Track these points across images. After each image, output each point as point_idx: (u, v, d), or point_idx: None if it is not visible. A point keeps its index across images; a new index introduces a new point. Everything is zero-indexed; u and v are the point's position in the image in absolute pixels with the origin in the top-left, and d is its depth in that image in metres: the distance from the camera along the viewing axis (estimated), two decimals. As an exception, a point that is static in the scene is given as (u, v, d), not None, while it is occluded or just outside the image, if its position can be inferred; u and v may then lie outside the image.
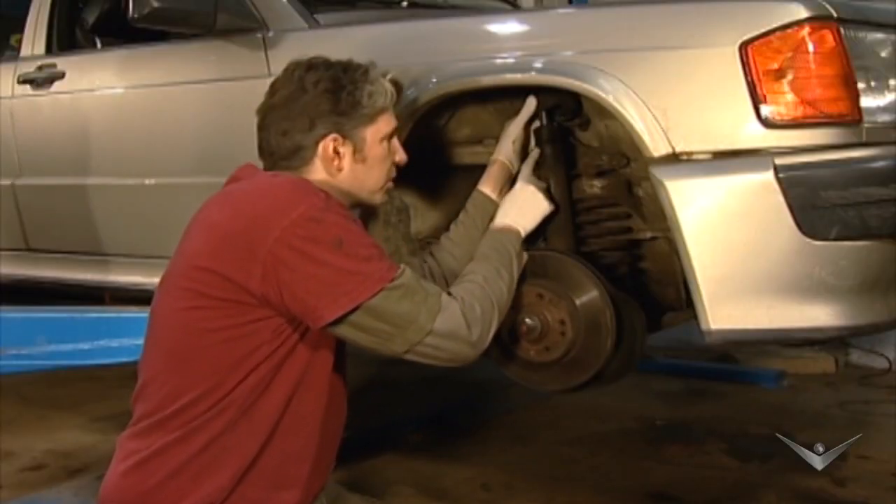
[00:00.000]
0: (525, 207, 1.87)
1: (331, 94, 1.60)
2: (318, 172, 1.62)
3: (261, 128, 1.65)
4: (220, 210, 1.52)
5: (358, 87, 1.61)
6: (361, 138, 1.63)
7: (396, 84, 1.71)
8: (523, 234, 1.84)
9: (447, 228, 2.02)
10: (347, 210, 1.58)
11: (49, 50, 3.11)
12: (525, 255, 1.83)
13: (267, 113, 1.63)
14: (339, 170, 1.62)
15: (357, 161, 1.63)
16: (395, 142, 1.71)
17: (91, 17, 3.25)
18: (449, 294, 1.55)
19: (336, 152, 1.61)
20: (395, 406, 3.37)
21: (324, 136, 1.60)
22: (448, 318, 1.50)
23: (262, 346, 1.48)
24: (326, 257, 1.43)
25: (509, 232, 1.82)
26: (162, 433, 1.49)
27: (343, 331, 1.48)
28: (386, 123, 1.66)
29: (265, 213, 1.45)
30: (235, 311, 1.46)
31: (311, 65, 1.63)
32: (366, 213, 2.12)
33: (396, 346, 1.49)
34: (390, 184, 1.73)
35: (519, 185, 1.91)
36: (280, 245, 1.42)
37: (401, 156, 1.72)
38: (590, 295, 1.93)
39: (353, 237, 1.47)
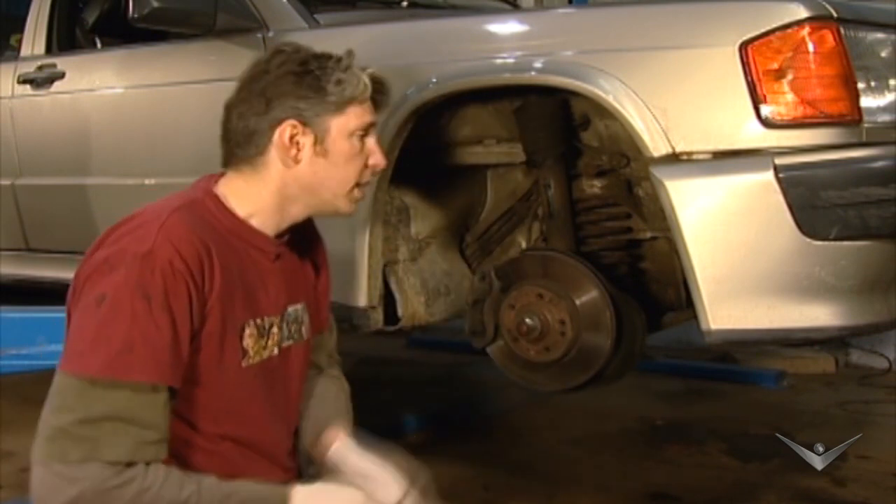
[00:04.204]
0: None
1: (294, 76, 1.39)
2: (273, 164, 1.39)
3: (224, 117, 1.46)
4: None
5: (326, 73, 1.39)
6: (324, 129, 1.39)
7: (378, 80, 1.45)
8: None
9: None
10: (172, 275, 1.26)
11: (49, 50, 3.11)
12: None
13: (230, 100, 1.45)
14: (297, 161, 1.39)
15: (318, 154, 1.40)
16: (371, 141, 1.44)
17: (91, 17, 3.25)
18: (120, 467, 1.21)
19: (293, 141, 1.39)
20: (395, 406, 3.37)
21: (281, 122, 1.38)
22: (74, 475, 1.19)
23: None
24: (85, 307, 1.26)
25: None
26: None
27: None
28: (357, 117, 1.41)
29: (104, 239, 1.33)
30: None
31: (279, 49, 1.45)
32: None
33: (40, 446, 1.23)
34: (359, 192, 1.45)
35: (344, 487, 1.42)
36: (82, 271, 1.31)
37: (376, 158, 1.45)
38: (590, 295, 1.94)
39: (117, 306, 1.23)
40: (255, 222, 1.41)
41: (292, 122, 1.38)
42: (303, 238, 1.53)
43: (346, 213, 1.47)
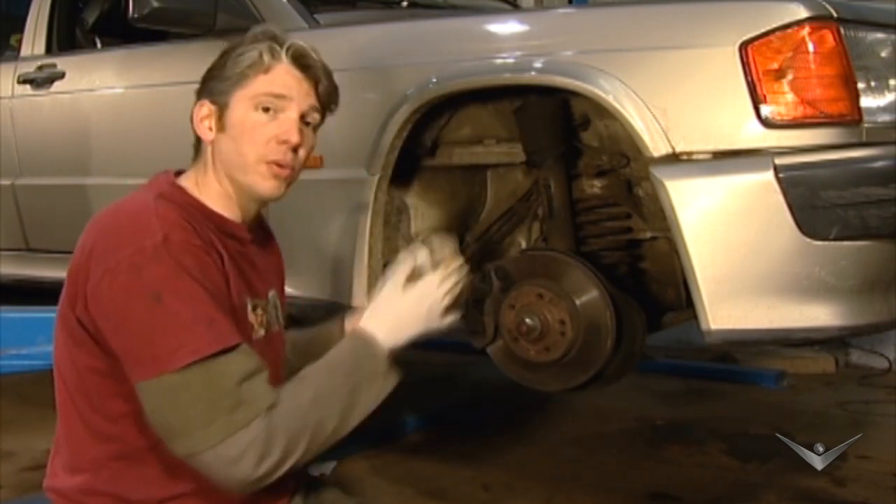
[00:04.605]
0: (409, 317, 1.43)
1: (215, 61, 1.43)
2: (203, 148, 1.43)
3: None
4: (86, 232, 1.37)
5: (234, 50, 1.40)
6: (225, 103, 1.39)
7: (299, 51, 1.40)
8: (386, 351, 1.39)
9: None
10: (196, 250, 1.29)
11: (49, 50, 3.11)
12: (388, 384, 1.40)
13: None
14: (210, 141, 1.40)
15: (220, 129, 1.39)
16: (285, 116, 1.38)
17: (91, 17, 3.25)
18: (268, 412, 1.25)
19: (202, 118, 1.40)
20: (395, 406, 3.37)
21: (195, 104, 1.42)
22: (241, 443, 1.23)
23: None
24: (139, 312, 1.24)
25: (374, 346, 1.39)
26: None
27: (141, 397, 1.26)
28: (260, 86, 1.37)
29: (100, 248, 1.29)
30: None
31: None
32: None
33: (175, 446, 1.25)
34: (270, 168, 1.38)
35: (422, 284, 1.44)
36: (99, 290, 1.26)
37: (283, 131, 1.37)
38: (590, 295, 1.93)
39: (175, 293, 1.24)
40: (219, 210, 1.41)
41: (201, 101, 1.42)
42: (262, 229, 1.54)
43: (267, 194, 1.41)
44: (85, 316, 1.30)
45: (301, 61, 1.40)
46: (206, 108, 1.41)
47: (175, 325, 1.23)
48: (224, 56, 1.42)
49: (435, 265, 1.45)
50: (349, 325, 1.56)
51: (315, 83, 1.42)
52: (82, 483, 1.37)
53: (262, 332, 1.43)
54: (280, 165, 1.39)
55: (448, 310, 1.44)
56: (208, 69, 1.43)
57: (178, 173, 1.46)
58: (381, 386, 1.38)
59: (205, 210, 1.39)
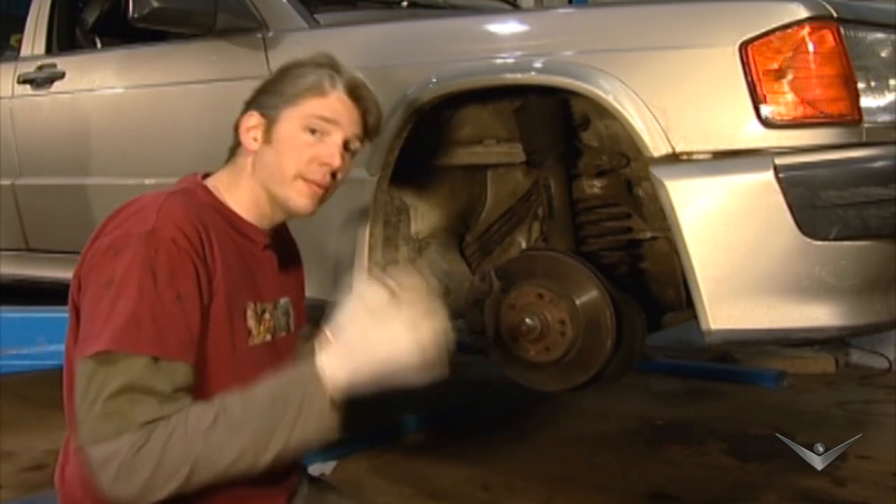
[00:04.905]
0: (370, 363, 1.25)
1: (272, 76, 1.48)
2: (242, 154, 1.46)
3: None
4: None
5: (293, 69, 1.46)
6: (275, 118, 1.44)
7: (351, 78, 1.45)
8: (335, 395, 1.24)
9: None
10: (176, 252, 1.28)
11: (49, 50, 3.11)
12: (322, 432, 1.24)
13: None
14: (253, 150, 1.44)
15: (266, 141, 1.44)
16: (330, 140, 1.43)
17: (91, 17, 3.25)
18: (145, 432, 1.19)
19: (248, 129, 1.45)
20: (395, 406, 3.37)
21: (244, 113, 1.47)
22: (104, 452, 1.19)
23: None
24: (95, 291, 1.26)
25: (314, 387, 1.23)
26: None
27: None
28: (313, 108, 1.42)
29: (99, 230, 1.34)
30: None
31: None
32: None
33: (79, 433, 1.23)
34: (307, 186, 1.42)
35: (381, 309, 1.25)
36: (81, 266, 1.32)
37: (327, 154, 1.41)
38: (590, 295, 1.93)
39: (127, 285, 1.23)
40: (241, 213, 1.44)
41: (251, 112, 1.46)
42: (283, 239, 1.57)
43: (299, 209, 1.43)
44: (77, 298, 1.33)
45: (356, 92, 1.47)
46: (255, 119, 1.45)
47: (107, 313, 1.23)
48: (283, 73, 1.47)
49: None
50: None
51: (364, 114, 1.48)
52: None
53: (267, 336, 1.43)
54: (317, 185, 1.44)
55: (421, 366, 1.24)
56: (264, 82, 1.49)
57: (206, 176, 1.50)
58: (312, 432, 1.24)
59: (223, 210, 1.42)
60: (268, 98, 1.46)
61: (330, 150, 1.43)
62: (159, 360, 1.23)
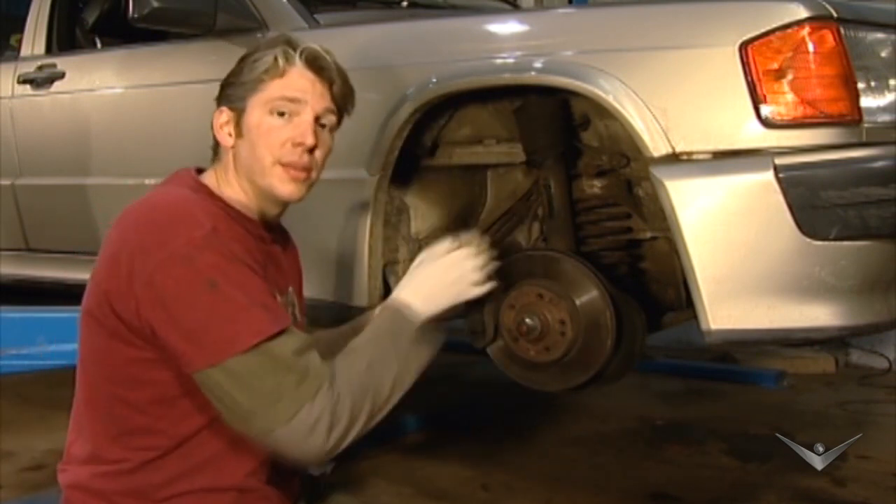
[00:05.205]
0: (441, 284, 1.49)
1: (232, 68, 1.47)
2: (223, 152, 1.47)
3: None
4: (116, 229, 1.37)
5: (248, 57, 1.44)
6: (242, 109, 1.43)
7: (312, 53, 1.44)
8: (423, 317, 1.44)
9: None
10: (239, 239, 1.36)
11: (49, 50, 3.11)
12: (432, 346, 1.47)
13: None
14: (230, 145, 1.45)
15: (238, 135, 1.44)
16: (300, 119, 1.42)
17: (91, 17, 3.26)
18: (329, 382, 1.29)
19: (221, 125, 1.45)
20: (395, 406, 3.37)
21: (215, 111, 1.47)
22: (312, 415, 1.26)
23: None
24: (196, 301, 1.26)
25: (409, 311, 1.44)
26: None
27: (204, 385, 1.29)
28: (275, 90, 1.41)
29: (144, 243, 1.30)
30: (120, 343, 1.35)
31: None
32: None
33: (248, 428, 1.28)
34: (285, 171, 1.43)
35: (452, 255, 1.52)
36: (153, 283, 1.27)
37: (299, 133, 1.41)
38: (590, 295, 1.93)
39: (229, 279, 1.28)
40: (240, 209, 1.44)
41: (221, 108, 1.46)
42: (282, 231, 1.58)
43: (286, 196, 1.45)
44: (128, 311, 1.30)
45: (315, 64, 1.44)
46: (225, 114, 1.45)
47: (234, 309, 1.27)
48: (241, 62, 1.45)
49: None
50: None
51: (329, 85, 1.46)
52: (101, 476, 1.40)
53: None
54: (296, 168, 1.43)
55: (478, 283, 1.50)
56: (226, 76, 1.47)
57: (198, 171, 1.50)
58: (426, 348, 1.44)
59: (228, 209, 1.43)
60: (233, 90, 1.45)
61: (301, 129, 1.42)
62: (291, 326, 1.32)
